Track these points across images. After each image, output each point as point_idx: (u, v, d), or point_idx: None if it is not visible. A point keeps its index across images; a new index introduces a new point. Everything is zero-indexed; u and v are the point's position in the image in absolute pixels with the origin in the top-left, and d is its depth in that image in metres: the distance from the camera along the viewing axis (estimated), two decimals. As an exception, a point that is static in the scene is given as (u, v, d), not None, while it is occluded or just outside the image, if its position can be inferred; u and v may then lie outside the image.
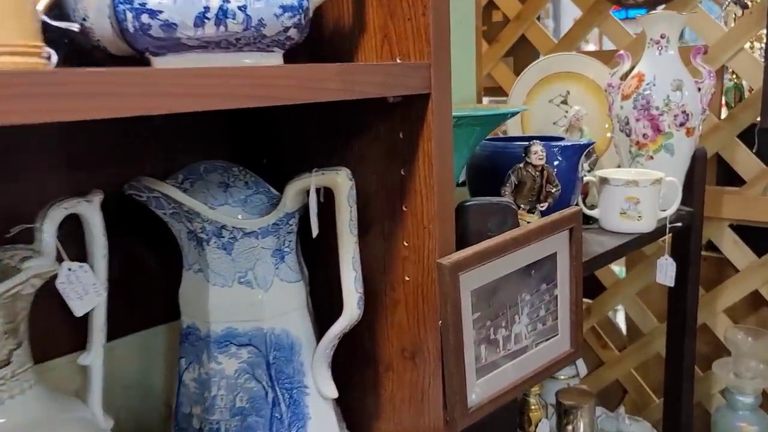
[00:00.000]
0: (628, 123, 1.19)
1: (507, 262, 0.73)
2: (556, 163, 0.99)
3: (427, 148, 0.68)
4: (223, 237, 0.65)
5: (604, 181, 1.08)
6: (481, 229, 0.75)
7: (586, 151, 1.13)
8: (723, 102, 1.50)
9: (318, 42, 0.75)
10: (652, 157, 1.18)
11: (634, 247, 1.06)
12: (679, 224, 1.12)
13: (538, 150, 0.86)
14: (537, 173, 0.88)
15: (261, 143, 0.86)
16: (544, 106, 1.33)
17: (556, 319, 0.81)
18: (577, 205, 1.10)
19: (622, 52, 1.23)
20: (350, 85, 0.57)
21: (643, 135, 1.17)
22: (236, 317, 0.67)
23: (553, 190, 0.89)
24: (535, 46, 1.64)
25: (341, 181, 0.65)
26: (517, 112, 0.90)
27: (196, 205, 0.64)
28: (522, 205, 0.89)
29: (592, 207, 1.12)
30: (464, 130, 0.85)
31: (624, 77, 1.23)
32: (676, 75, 1.15)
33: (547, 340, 0.80)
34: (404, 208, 0.71)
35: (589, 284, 1.69)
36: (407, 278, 0.73)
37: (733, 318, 1.49)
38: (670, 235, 1.32)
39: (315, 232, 0.66)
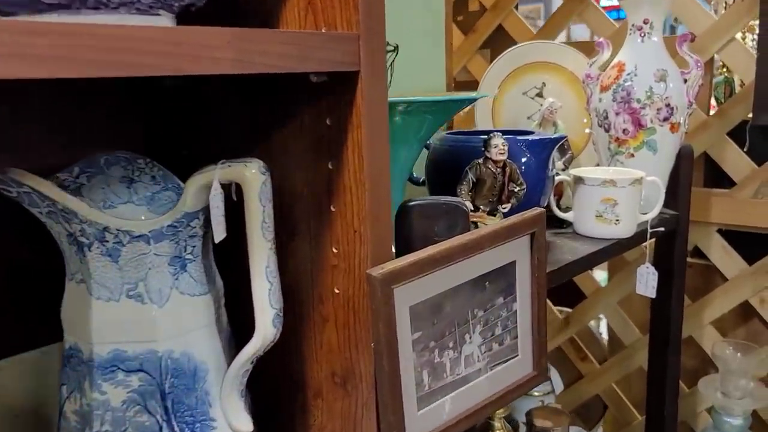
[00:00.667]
0: (606, 117, 1.09)
1: (455, 273, 0.63)
2: (524, 159, 0.89)
3: (357, 137, 0.58)
4: (107, 241, 0.55)
5: (578, 180, 0.98)
6: (426, 234, 0.65)
7: (558, 146, 1.04)
8: (712, 97, 1.41)
9: (238, 12, 0.64)
10: (633, 155, 1.08)
11: (610, 254, 0.96)
12: (662, 229, 1.02)
13: (498, 143, 0.76)
14: (498, 170, 0.78)
15: (182, 132, 0.76)
16: (517, 98, 1.23)
17: (515, 338, 0.71)
18: (547, 207, 1.00)
19: (602, 39, 1.14)
20: (248, 55, 0.47)
21: (623, 130, 1.08)
22: (124, 337, 0.56)
23: (516, 190, 0.79)
24: (513, 37, 1.54)
25: (250, 176, 0.55)
26: (475, 99, 0.80)
27: (71, 202, 0.53)
28: (482, 206, 0.79)
29: (568, 209, 1.02)
30: (414, 118, 0.75)
31: (604, 68, 1.14)
32: (659, 64, 1.06)
33: (505, 362, 0.70)
34: (332, 209, 0.61)
35: (569, 292, 1.59)
36: (337, 290, 0.62)
37: (722, 330, 1.40)
38: (653, 240, 1.23)
39: (218, 236, 0.56)
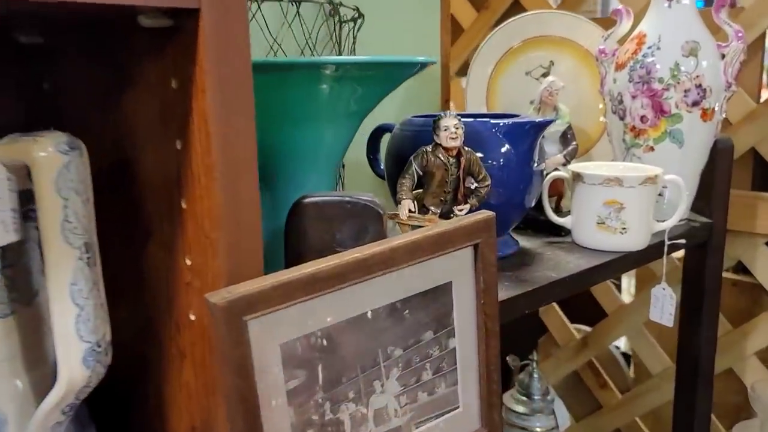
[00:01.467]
0: (621, 101, 0.90)
1: (354, 298, 0.46)
2: (502, 149, 0.71)
3: (202, 105, 0.41)
4: None
5: (576, 177, 0.80)
6: (325, 243, 0.49)
7: (561, 135, 0.85)
8: (764, 81, 1.19)
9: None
10: (652, 148, 0.89)
11: (611, 271, 0.77)
12: (683, 241, 0.82)
13: (449, 125, 0.59)
14: (451, 160, 0.60)
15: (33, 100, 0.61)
16: (519, 79, 1.04)
17: (454, 385, 0.53)
18: (538, 210, 0.82)
19: (620, 7, 0.94)
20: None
21: (641, 118, 0.88)
22: None
23: (476, 186, 0.62)
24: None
25: (41, 157, 0.39)
26: (417, 63, 0.62)
27: None
28: (431, 207, 0.62)
29: (568, 213, 0.84)
30: (342, 87, 0.59)
31: (622, 41, 0.94)
32: (689, 35, 0.86)
33: (440, 416, 0.53)
34: (183, 205, 0.45)
35: (588, 308, 1.39)
36: (192, 316, 0.46)
37: (768, 362, 1.18)
38: (677, 255, 1.03)
39: (2, 239, 0.40)
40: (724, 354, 1.15)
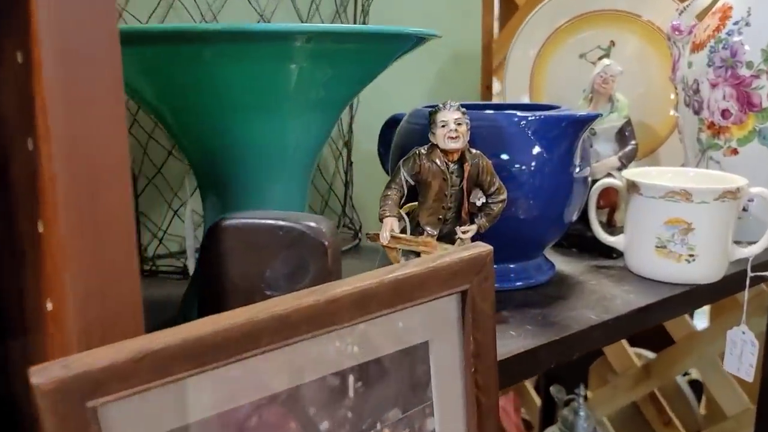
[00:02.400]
0: (697, 91, 0.73)
1: (272, 369, 0.33)
2: (533, 150, 0.56)
3: (39, 88, 0.29)
4: None
5: (632, 187, 0.64)
6: (250, 282, 0.35)
7: (618, 132, 0.70)
8: None
9: None
10: (735, 151, 0.71)
11: (670, 311, 0.61)
12: (771, 274, 0.65)
13: (448, 120, 0.45)
14: (452, 166, 0.46)
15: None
16: (571, 64, 0.88)
17: (433, 480, 0.39)
18: (583, 224, 0.66)
19: (700, -26, 0.77)
20: None
21: (722, 112, 0.71)
22: None
23: (484, 201, 0.47)
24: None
25: None
26: (414, 36, 0.48)
27: None
28: (427, 228, 0.47)
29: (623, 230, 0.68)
30: (314, 66, 0.45)
31: (702, 17, 0.77)
32: (789, 8, 0.68)
33: None
34: (40, 228, 0.33)
35: (652, 330, 1.21)
36: (57, 381, 0.34)
37: None
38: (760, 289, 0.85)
39: None
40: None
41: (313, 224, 0.35)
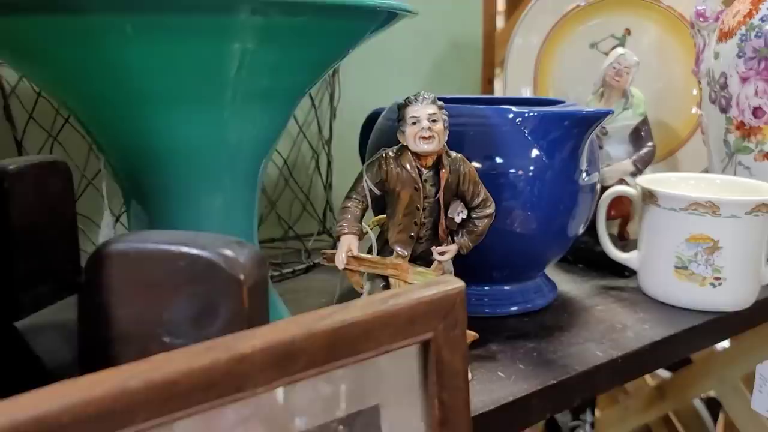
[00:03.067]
0: (725, 86, 0.64)
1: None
2: (531, 153, 0.48)
3: None
4: None
5: (647, 197, 0.55)
6: (145, 326, 0.27)
7: (632, 131, 0.61)
8: None
9: None
10: (768, 156, 0.62)
11: (692, 344, 0.52)
12: (811, 301, 0.56)
13: (420, 115, 0.36)
14: (425, 173, 0.37)
15: None
16: (581, 54, 0.79)
17: None
18: (590, 237, 0.58)
19: (730, -48, 0.68)
20: None
21: (754, 110, 0.62)
22: None
23: (461, 217, 0.38)
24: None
25: None
26: (398, 10, 0.39)
27: None
28: (397, 248, 0.39)
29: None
30: (260, 48, 0.37)
31: (730, 2, 0.68)
32: (835, -10, 0.59)
33: None
34: None
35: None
36: None
37: None
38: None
39: None
40: None
41: (227, 252, 0.27)
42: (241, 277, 0.27)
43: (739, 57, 0.62)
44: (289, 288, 0.59)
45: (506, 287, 0.54)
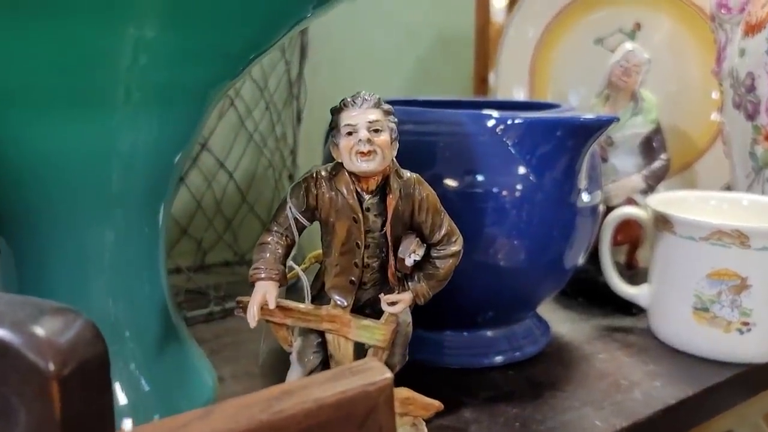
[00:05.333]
0: (753, 89, 0.55)
1: None
2: (518, 169, 0.39)
3: None
4: None
5: (660, 222, 0.46)
6: None
7: (642, 141, 0.53)
8: None
9: None
10: (804, 171, 0.54)
11: (717, 404, 0.44)
12: None
13: (359, 124, 0.28)
14: (367, 199, 0.29)
15: None
16: (584, 50, 0.70)
17: None
18: (592, 267, 0.50)
19: (757, -68, 0.59)
20: None
21: (788, 117, 0.53)
22: None
23: (412, 259, 0.30)
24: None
25: None
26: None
27: None
28: (335, 296, 0.30)
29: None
30: (160, 39, 0.28)
31: (758, -10, 0.59)
32: None
33: None
34: None
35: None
36: None
37: None
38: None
39: None
40: None
41: (36, 329, 0.18)
42: (50, 366, 0.18)
43: (770, 54, 0.53)
44: (232, 328, 0.50)
45: (489, 333, 0.45)
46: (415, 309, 0.37)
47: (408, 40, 0.78)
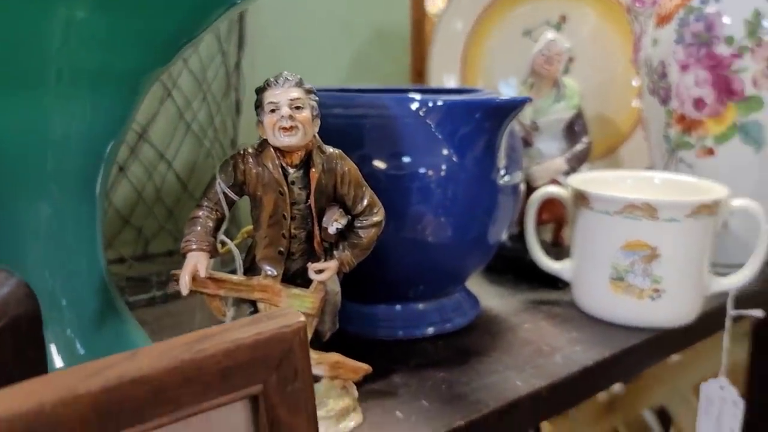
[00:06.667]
0: (664, 76, 0.59)
1: None
2: (442, 150, 0.42)
3: None
4: None
5: (579, 199, 0.49)
6: None
7: (566, 126, 0.56)
8: None
9: None
10: (711, 151, 0.58)
11: (630, 367, 0.47)
12: (759, 313, 0.51)
13: (281, 101, 0.29)
14: (291, 173, 0.30)
15: None
16: (513, 42, 0.73)
17: None
18: (520, 246, 0.53)
19: (668, -71, 0.63)
20: None
21: (696, 102, 0.57)
22: None
23: (335, 228, 0.32)
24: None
25: None
26: None
27: None
28: (265, 266, 0.32)
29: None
30: (86, 12, 0.30)
31: (670, -16, 0.63)
32: (779, -32, 0.54)
33: None
34: None
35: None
36: None
37: None
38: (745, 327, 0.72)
39: None
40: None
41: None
42: None
43: (678, 43, 0.57)
44: (173, 311, 0.51)
45: (421, 306, 0.47)
46: (350, 284, 0.39)
47: (345, 34, 0.80)
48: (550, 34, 0.58)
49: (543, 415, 0.40)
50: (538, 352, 0.44)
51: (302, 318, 0.22)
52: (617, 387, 1.13)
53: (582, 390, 0.42)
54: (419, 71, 0.87)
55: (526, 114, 0.58)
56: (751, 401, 0.74)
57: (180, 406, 0.20)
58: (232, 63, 0.66)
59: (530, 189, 0.56)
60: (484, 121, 0.41)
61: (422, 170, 0.42)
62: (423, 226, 0.43)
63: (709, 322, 0.51)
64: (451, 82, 0.74)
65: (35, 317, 0.22)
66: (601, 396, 1.10)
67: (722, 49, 0.55)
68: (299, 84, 0.30)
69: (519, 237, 0.58)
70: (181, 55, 0.36)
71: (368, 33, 0.82)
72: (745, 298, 0.53)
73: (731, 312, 0.50)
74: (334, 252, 0.33)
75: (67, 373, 0.19)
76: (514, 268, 0.59)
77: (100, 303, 0.34)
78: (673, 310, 0.48)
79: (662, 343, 0.48)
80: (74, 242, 0.34)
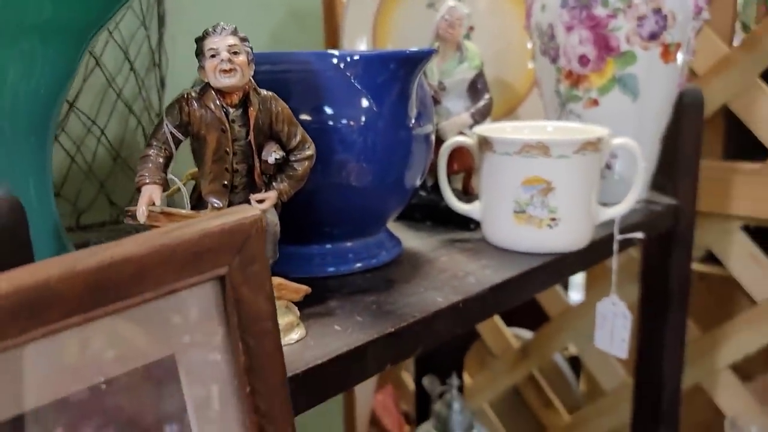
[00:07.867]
0: (553, 37, 0.66)
1: None
2: (361, 101, 0.46)
3: None
4: None
5: (484, 144, 0.55)
6: None
7: (470, 85, 0.61)
8: (737, 21, 0.96)
9: None
10: (595, 102, 0.65)
11: (532, 286, 0.53)
12: (640, 235, 0.58)
13: (220, 47, 0.33)
14: (232, 113, 0.34)
15: None
16: (419, 15, 0.79)
17: None
18: (435, 196, 0.58)
19: None
20: None
21: (580, 59, 0.64)
22: None
23: (273, 158, 0.36)
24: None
25: None
26: None
27: None
28: (212, 199, 0.36)
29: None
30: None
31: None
32: (644, -61, 0.62)
33: None
34: None
35: (528, 310, 1.16)
36: None
37: (745, 374, 0.97)
38: (629, 256, 0.81)
39: None
40: (690, 366, 0.93)
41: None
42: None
43: (563, 7, 0.64)
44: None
45: (348, 244, 0.52)
46: (286, 227, 0.43)
47: (261, 13, 0.83)
48: (450, 1, 0.63)
49: (460, 324, 0.45)
50: (454, 276, 0.50)
51: (258, 212, 0.26)
52: (527, 334, 1.22)
53: (492, 304, 0.48)
54: (333, 46, 0.91)
55: (434, 76, 0.64)
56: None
57: (160, 284, 0.24)
58: (155, 40, 0.68)
59: (441, 143, 0.61)
60: (398, 70, 0.46)
61: (344, 120, 0.46)
62: (347, 172, 0.48)
63: (601, 246, 0.58)
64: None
65: (20, 224, 0.25)
66: (515, 343, 1.18)
67: (600, 11, 0.62)
68: (234, 32, 0.34)
69: (434, 188, 0.63)
70: (121, 6, 0.39)
71: (283, 11, 0.86)
72: (630, 229, 0.60)
73: (617, 237, 0.57)
74: (273, 184, 0.37)
75: (65, 256, 0.22)
76: (431, 215, 0.64)
77: (50, 231, 0.36)
78: (569, 236, 0.54)
79: (558, 265, 0.54)
80: (25, 173, 0.37)
